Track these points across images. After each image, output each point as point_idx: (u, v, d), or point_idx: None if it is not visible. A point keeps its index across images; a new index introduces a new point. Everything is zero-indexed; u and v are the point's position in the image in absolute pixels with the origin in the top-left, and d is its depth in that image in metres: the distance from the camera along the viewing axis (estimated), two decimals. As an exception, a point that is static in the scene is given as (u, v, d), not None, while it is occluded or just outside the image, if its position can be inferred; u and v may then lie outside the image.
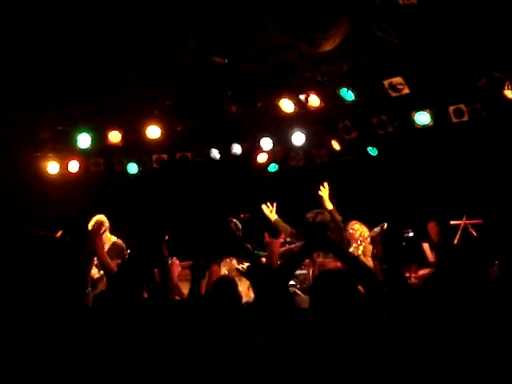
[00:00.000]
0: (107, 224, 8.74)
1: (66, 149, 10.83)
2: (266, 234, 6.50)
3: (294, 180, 11.85)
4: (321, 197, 8.87)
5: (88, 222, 8.60)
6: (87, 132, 10.37)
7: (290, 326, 3.63)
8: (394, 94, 9.01)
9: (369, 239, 8.61)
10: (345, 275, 3.67)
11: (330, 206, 8.78)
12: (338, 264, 7.53)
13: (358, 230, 8.76)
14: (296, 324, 3.64)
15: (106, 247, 8.60)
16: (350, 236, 8.78)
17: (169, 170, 11.46)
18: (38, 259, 2.10)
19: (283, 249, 9.82)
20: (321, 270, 7.95)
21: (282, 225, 9.07)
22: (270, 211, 9.10)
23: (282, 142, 11.23)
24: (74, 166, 11.20)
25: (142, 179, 11.66)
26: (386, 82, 8.90)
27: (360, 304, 3.57)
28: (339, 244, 4.25)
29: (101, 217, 8.77)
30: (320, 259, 7.86)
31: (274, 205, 9.09)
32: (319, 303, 3.57)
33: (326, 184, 8.94)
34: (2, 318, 2.03)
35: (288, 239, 9.57)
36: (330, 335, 3.42)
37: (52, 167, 11.12)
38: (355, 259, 4.20)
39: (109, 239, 8.75)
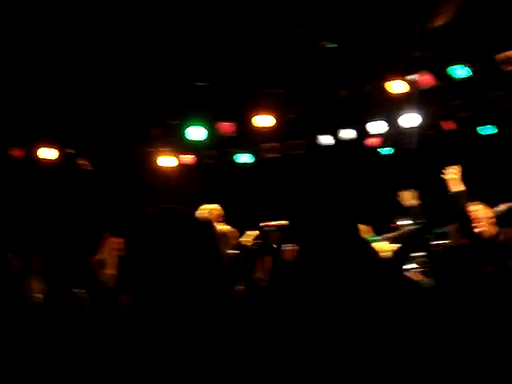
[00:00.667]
0: (220, 213, 8.84)
1: (179, 142, 11.04)
2: None
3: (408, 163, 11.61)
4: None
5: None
6: (199, 125, 10.54)
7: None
8: (508, 68, 8.70)
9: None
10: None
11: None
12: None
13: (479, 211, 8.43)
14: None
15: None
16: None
17: (282, 159, 11.49)
18: (176, 232, 2.13)
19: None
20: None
21: None
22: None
23: (394, 124, 11.02)
24: (187, 159, 11.43)
25: (255, 169, 11.75)
26: (500, 56, 8.60)
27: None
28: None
29: (212, 206, 8.86)
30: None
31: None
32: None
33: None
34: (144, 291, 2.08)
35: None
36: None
37: (166, 161, 11.38)
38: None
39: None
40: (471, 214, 8.46)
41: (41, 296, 5.94)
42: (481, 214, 8.37)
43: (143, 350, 1.93)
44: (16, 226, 8.92)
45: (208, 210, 8.69)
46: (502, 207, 8.24)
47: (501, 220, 8.44)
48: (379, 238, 9.83)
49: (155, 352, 1.95)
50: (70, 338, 4.22)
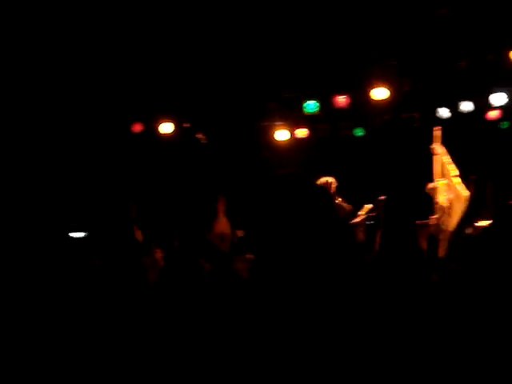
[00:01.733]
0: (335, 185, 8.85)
1: (294, 116, 11.05)
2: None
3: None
4: None
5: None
6: (314, 99, 10.52)
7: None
8: None
9: None
10: None
11: None
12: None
13: None
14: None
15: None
16: None
17: (395, 132, 11.31)
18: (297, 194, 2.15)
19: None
20: None
21: None
22: None
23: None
24: (301, 133, 11.44)
25: (368, 142, 11.62)
26: None
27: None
28: None
29: (331, 178, 8.89)
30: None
31: None
32: None
33: None
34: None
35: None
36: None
37: (280, 134, 11.43)
38: None
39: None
40: None
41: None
42: None
43: (266, 311, 1.96)
44: (137, 199, 9.21)
45: (324, 181, 8.74)
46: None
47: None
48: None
49: (278, 313, 1.98)
50: (190, 305, 4.31)
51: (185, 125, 11.37)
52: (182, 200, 11.07)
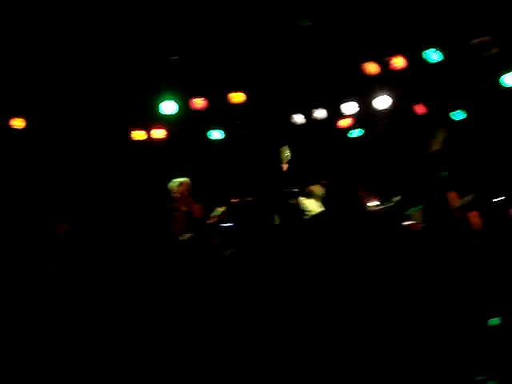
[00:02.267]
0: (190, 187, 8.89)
1: (151, 116, 10.97)
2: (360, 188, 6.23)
3: (377, 145, 11.69)
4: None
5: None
6: (172, 99, 10.49)
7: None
8: (482, 54, 8.78)
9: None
10: None
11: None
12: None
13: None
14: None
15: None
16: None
17: (252, 136, 11.48)
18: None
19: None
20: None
21: None
22: None
23: (366, 106, 11.08)
24: (158, 133, 11.37)
25: (226, 145, 11.73)
26: (474, 42, 8.68)
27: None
28: None
29: (183, 179, 8.90)
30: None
31: None
32: None
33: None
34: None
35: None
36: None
37: (137, 134, 11.31)
38: None
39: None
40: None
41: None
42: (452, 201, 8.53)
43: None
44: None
45: (178, 182, 8.77)
46: (468, 197, 8.42)
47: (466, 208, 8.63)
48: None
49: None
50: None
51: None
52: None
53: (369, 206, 9.09)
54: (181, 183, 8.76)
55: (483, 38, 8.62)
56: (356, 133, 12.00)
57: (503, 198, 9.41)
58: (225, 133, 11.59)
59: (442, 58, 9.14)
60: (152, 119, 11.16)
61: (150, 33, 9.28)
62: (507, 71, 9.44)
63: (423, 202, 8.24)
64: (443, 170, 8.17)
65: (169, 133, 11.42)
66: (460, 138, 11.10)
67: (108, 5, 8.66)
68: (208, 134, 11.61)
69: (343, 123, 11.60)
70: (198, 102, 10.60)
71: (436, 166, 8.18)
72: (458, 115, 11.09)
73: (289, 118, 11.33)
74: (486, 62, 9.10)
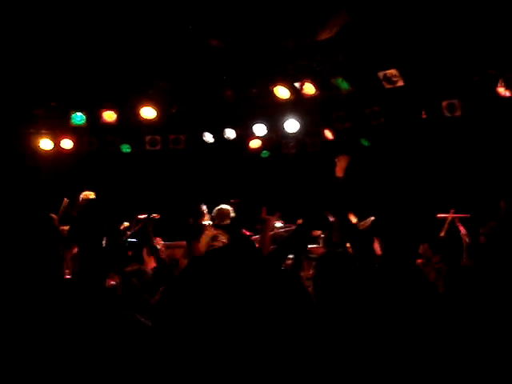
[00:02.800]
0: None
1: (60, 126, 10.81)
2: (263, 210, 6.29)
3: (285, 167, 11.90)
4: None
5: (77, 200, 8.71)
6: (81, 110, 10.38)
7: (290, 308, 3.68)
8: (388, 86, 9.07)
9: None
10: (349, 256, 3.76)
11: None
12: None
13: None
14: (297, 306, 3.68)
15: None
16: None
17: (162, 152, 11.47)
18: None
19: (272, 233, 9.92)
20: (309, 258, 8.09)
21: None
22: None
23: (275, 128, 11.26)
24: (67, 144, 11.22)
25: (134, 160, 11.67)
26: (380, 74, 8.96)
27: (361, 285, 3.66)
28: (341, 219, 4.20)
29: (90, 193, 8.80)
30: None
31: None
32: (323, 285, 3.66)
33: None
34: None
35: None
36: (334, 319, 3.51)
37: (45, 144, 11.13)
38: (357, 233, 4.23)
39: None
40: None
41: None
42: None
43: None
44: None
45: (84, 195, 8.67)
46: (368, 220, 8.67)
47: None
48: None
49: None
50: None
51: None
52: None
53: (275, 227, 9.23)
54: (86, 196, 8.68)
55: (389, 70, 8.91)
56: (264, 154, 12.21)
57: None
58: (131, 148, 11.53)
59: (348, 87, 9.38)
60: (62, 129, 11.01)
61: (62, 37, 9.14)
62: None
63: (326, 226, 8.44)
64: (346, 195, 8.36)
65: (77, 144, 11.29)
66: (365, 164, 11.45)
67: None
68: (122, 147, 11.54)
69: (253, 144, 11.77)
70: (108, 115, 10.50)
71: (339, 191, 8.36)
72: (365, 142, 11.46)
73: (200, 136, 11.40)
74: (391, 93, 9.43)
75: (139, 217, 9.10)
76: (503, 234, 7.98)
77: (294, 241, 4.32)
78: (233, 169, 12.09)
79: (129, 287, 4.37)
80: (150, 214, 9.08)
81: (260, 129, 11.10)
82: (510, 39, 8.04)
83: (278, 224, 10.57)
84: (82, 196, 8.73)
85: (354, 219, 8.78)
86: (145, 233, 8.87)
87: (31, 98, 10.35)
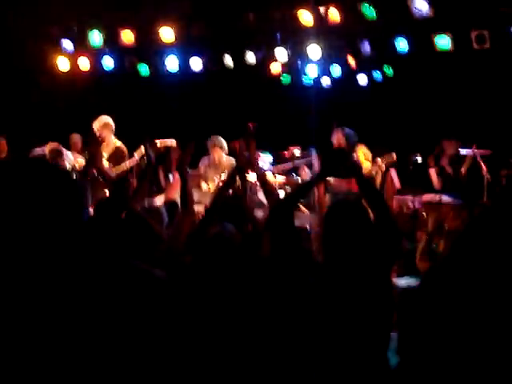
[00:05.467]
0: (112, 127, 8.64)
1: (78, 45, 10.59)
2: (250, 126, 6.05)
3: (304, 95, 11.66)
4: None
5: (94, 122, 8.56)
6: (99, 30, 10.13)
7: (297, 264, 3.56)
8: (417, 15, 8.75)
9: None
10: (361, 209, 3.58)
11: None
12: (350, 186, 7.51)
13: (364, 155, 8.65)
14: (303, 263, 3.57)
15: (109, 151, 8.56)
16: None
17: (181, 75, 11.24)
18: (29, 184, 2.02)
19: (286, 166, 9.81)
20: (332, 193, 7.95)
21: None
22: None
23: (298, 53, 10.98)
24: (84, 63, 11.01)
25: (153, 81, 11.46)
26: (409, 2, 8.62)
27: (374, 238, 3.50)
28: (360, 171, 4.00)
29: (106, 118, 8.64)
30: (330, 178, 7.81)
31: None
32: (332, 239, 3.52)
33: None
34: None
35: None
36: (342, 275, 3.39)
37: (62, 63, 10.93)
38: (374, 189, 4.04)
39: (113, 143, 8.64)
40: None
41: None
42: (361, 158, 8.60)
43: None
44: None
45: (102, 123, 8.50)
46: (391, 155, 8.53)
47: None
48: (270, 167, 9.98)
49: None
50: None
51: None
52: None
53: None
54: (103, 124, 8.51)
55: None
56: (285, 79, 12.00)
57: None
58: (149, 70, 11.32)
59: (374, 14, 9.02)
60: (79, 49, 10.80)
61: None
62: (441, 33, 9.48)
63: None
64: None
65: (94, 64, 11.07)
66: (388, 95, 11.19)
67: None
68: (138, 67, 11.33)
69: (274, 69, 11.52)
70: (127, 35, 10.24)
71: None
72: (388, 70, 11.20)
73: (221, 59, 11.15)
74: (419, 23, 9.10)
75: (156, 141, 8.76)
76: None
77: (308, 188, 4.12)
78: (253, 93, 11.88)
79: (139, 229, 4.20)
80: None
81: (281, 53, 10.82)
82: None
83: (297, 151, 10.46)
84: (98, 121, 8.54)
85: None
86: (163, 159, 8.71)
87: (48, 18, 10.11)
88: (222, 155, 8.92)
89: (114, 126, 8.64)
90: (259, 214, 5.06)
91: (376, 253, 3.46)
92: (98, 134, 8.28)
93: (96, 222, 4.24)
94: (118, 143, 8.71)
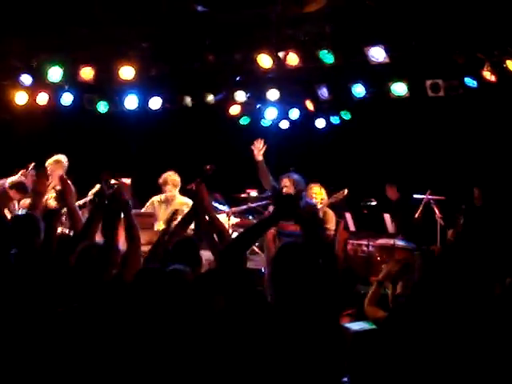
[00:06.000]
0: (65, 164, 8.55)
1: (37, 80, 10.53)
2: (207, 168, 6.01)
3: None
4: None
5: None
6: (59, 65, 10.09)
7: (248, 306, 3.56)
8: (373, 62, 8.92)
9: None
10: (307, 251, 3.61)
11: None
12: (297, 228, 7.54)
13: (319, 194, 8.74)
14: (254, 305, 3.57)
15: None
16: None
17: (139, 113, 11.26)
18: None
19: (242, 208, 9.83)
20: (281, 233, 7.97)
21: (264, 170, 7.96)
22: (258, 150, 8.09)
23: (257, 96, 11.12)
24: (42, 99, 10.96)
25: (111, 119, 11.45)
26: (366, 49, 8.80)
27: (321, 281, 3.53)
28: (310, 218, 4.04)
29: (59, 156, 8.55)
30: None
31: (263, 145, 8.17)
32: (281, 280, 3.53)
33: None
34: None
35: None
36: (291, 318, 3.39)
37: (20, 97, 10.86)
38: (319, 235, 4.07)
39: None
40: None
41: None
42: (318, 197, 8.68)
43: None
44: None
45: (54, 160, 8.41)
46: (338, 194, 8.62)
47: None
48: (225, 208, 9.99)
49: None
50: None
51: None
52: None
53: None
54: (57, 162, 8.42)
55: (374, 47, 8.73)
56: (244, 120, 12.12)
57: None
58: (108, 107, 11.32)
59: (332, 60, 9.17)
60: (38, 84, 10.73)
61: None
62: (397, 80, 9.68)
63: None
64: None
65: (53, 99, 11.03)
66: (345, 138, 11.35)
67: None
68: (96, 105, 11.32)
69: (233, 110, 11.63)
70: (86, 72, 10.22)
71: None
72: (346, 115, 11.37)
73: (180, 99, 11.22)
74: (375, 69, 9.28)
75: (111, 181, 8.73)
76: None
77: (258, 231, 4.09)
78: (211, 134, 11.95)
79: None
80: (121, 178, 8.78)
81: (241, 95, 10.94)
82: (499, 24, 7.91)
83: (253, 193, 10.50)
84: (52, 160, 8.45)
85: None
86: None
87: (11, 50, 10.06)
88: (174, 193, 8.83)
89: (66, 165, 8.54)
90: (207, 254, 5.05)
91: (323, 296, 3.49)
92: (48, 170, 8.21)
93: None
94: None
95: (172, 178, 8.86)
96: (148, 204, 8.95)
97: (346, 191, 8.85)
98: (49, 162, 8.38)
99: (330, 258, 3.73)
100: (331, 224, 8.54)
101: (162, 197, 8.93)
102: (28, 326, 3.88)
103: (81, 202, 8.16)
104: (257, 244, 9.15)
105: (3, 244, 3.95)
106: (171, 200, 8.78)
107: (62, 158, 8.53)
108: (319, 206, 8.52)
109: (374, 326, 4.42)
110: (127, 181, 8.57)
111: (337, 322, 3.56)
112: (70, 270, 4.13)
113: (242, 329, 3.52)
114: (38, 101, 10.94)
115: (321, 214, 8.49)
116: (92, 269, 4.02)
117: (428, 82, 9.46)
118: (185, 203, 8.26)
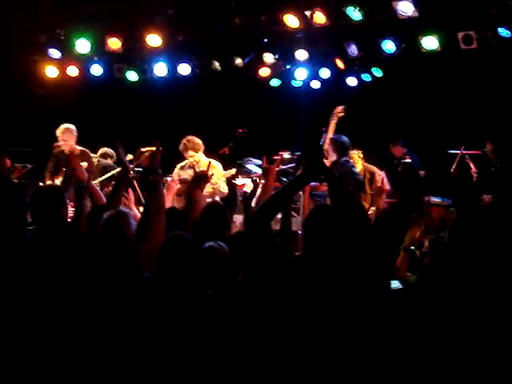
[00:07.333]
0: (74, 132, 8.56)
1: (65, 53, 10.58)
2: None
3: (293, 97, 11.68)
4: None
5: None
6: (86, 37, 10.12)
7: (275, 272, 3.53)
8: (402, 16, 8.75)
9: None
10: (341, 213, 3.54)
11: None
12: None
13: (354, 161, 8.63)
14: (282, 269, 3.54)
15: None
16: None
17: (169, 80, 11.25)
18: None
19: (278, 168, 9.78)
20: (312, 193, 7.94)
21: None
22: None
23: (286, 57, 11.01)
24: (73, 71, 11.03)
25: (142, 87, 11.46)
26: (394, 4, 8.62)
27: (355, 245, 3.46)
28: (337, 176, 3.96)
29: (67, 125, 8.54)
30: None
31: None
32: (311, 244, 3.48)
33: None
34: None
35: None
36: (322, 283, 3.35)
37: (51, 71, 10.94)
38: (352, 194, 3.98)
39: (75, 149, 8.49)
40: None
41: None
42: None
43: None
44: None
45: (64, 129, 8.45)
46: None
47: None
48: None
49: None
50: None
51: None
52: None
53: None
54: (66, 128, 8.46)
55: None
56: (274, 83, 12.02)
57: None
58: (138, 75, 11.33)
59: (360, 17, 9.01)
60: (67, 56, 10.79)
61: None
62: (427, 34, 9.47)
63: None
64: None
65: (82, 71, 11.09)
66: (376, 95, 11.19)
67: None
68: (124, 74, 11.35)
69: (263, 73, 11.53)
70: (113, 42, 10.23)
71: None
72: (377, 71, 11.20)
73: (208, 64, 11.18)
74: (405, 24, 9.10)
75: (142, 149, 8.64)
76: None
77: (287, 194, 4.02)
78: (241, 97, 11.87)
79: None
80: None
81: (269, 57, 10.85)
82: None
83: (286, 155, 10.44)
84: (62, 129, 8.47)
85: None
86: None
87: (37, 25, 10.11)
88: (195, 155, 8.74)
89: (75, 134, 8.55)
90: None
91: (360, 256, 3.41)
92: (59, 140, 8.28)
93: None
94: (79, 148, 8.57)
95: (191, 142, 8.76)
96: (175, 172, 8.89)
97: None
98: (59, 131, 8.42)
99: (359, 212, 3.68)
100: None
101: (185, 163, 8.88)
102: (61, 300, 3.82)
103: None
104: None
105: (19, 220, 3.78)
106: (196, 163, 8.67)
107: (71, 126, 8.53)
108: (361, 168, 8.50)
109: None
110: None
111: (377, 281, 3.42)
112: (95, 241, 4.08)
113: (274, 294, 3.49)
114: (68, 73, 11.02)
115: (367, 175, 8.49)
116: (118, 238, 3.99)
117: (460, 35, 9.22)
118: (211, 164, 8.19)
